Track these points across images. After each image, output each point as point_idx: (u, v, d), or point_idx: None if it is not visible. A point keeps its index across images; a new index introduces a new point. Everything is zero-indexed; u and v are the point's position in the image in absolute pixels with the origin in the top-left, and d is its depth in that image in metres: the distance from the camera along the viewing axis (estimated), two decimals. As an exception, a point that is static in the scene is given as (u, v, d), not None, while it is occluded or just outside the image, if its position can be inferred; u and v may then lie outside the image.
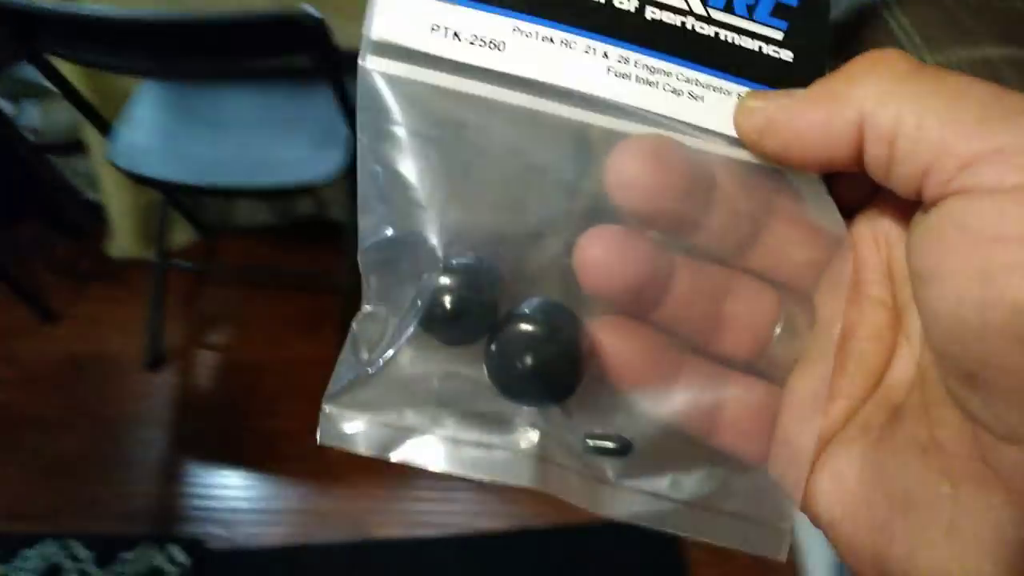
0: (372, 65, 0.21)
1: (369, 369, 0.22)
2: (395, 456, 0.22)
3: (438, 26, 0.21)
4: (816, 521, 0.22)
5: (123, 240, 1.58)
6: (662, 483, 0.23)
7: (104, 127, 1.23)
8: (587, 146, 0.22)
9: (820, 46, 0.23)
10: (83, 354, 1.52)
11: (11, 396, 1.47)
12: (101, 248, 1.62)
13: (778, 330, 0.23)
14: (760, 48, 0.22)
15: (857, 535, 0.21)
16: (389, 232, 0.22)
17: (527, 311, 0.22)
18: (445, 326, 0.22)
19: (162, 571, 1.26)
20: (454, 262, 0.22)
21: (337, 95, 1.04)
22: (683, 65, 0.22)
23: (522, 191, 0.23)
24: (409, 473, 1.24)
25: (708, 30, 0.22)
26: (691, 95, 0.22)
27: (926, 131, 0.19)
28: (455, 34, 0.21)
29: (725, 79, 0.22)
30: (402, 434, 0.22)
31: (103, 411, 1.46)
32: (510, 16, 0.22)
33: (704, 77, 0.22)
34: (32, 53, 1.05)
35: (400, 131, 0.22)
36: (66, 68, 1.23)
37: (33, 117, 1.54)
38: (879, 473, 0.21)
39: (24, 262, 1.63)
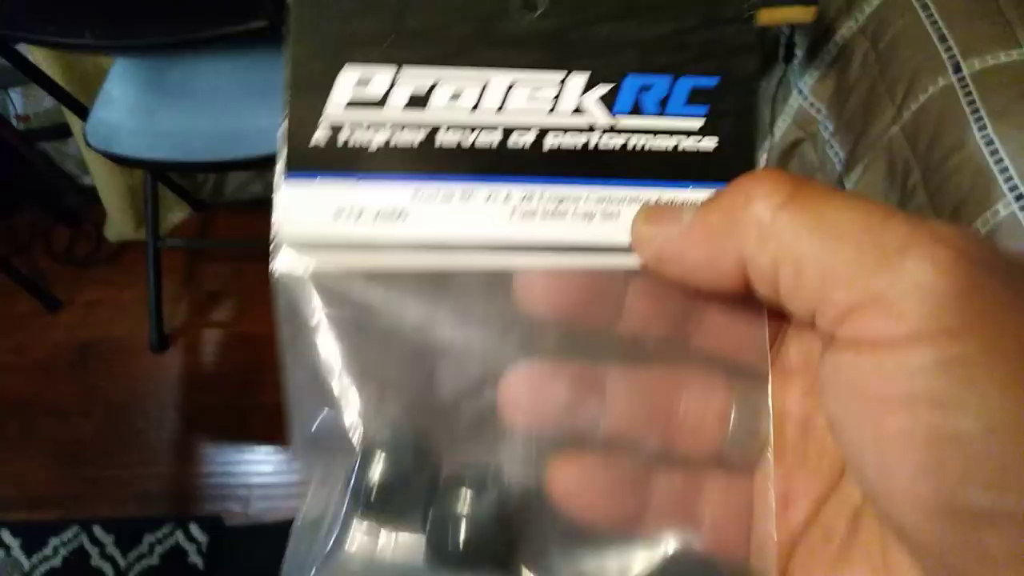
0: (281, 262, 0.21)
1: (319, 557, 0.23)
2: None
3: (342, 209, 0.21)
4: None
5: (118, 222, 1.58)
6: None
7: (82, 111, 1.21)
8: (503, 291, 0.22)
9: (747, 124, 0.22)
10: (89, 340, 1.53)
11: (22, 385, 1.48)
12: (99, 232, 1.63)
13: (733, 417, 0.22)
14: (676, 145, 0.22)
15: None
16: (317, 420, 0.22)
17: (456, 491, 0.22)
18: (379, 510, 0.22)
19: (182, 550, 1.27)
20: (381, 448, 0.22)
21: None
22: (593, 185, 0.21)
23: (438, 357, 0.23)
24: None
25: (616, 141, 0.21)
26: (604, 215, 0.22)
27: (804, 278, 0.18)
28: (359, 214, 0.21)
29: (641, 187, 0.22)
30: None
31: (113, 395, 1.46)
32: (410, 180, 0.21)
33: (618, 191, 0.22)
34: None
35: (315, 320, 0.22)
36: (38, 56, 1.21)
37: (18, 104, 1.53)
38: None
39: (24, 251, 1.64)
